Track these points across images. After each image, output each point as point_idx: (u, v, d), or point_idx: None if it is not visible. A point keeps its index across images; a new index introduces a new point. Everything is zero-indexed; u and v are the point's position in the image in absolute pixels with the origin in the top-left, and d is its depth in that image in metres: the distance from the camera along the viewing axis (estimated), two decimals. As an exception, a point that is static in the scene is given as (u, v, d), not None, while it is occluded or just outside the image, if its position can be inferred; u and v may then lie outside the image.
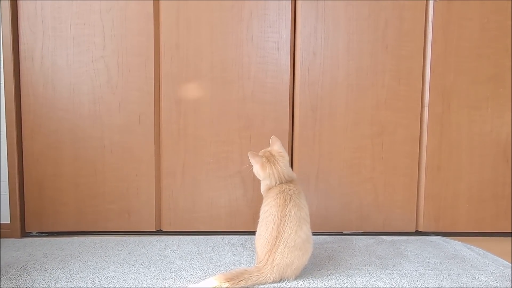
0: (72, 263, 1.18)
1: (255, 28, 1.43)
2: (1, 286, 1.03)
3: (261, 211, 1.12)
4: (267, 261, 1.03)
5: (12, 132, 1.40)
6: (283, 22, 1.43)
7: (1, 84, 1.40)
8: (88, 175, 1.45)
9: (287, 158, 1.19)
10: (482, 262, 1.23)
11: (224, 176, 1.47)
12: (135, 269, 1.15)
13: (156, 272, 1.12)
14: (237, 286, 0.98)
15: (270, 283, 1.03)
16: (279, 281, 1.05)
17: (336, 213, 1.49)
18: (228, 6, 1.42)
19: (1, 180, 1.43)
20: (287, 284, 1.05)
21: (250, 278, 1.01)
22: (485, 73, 1.46)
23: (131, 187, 1.46)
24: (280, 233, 1.04)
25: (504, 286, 1.06)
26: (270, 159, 1.16)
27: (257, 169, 1.17)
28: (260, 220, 1.12)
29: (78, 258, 1.22)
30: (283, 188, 1.11)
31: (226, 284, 0.97)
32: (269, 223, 1.06)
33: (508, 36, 1.45)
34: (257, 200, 1.38)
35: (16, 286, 1.02)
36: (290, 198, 1.09)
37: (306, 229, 1.08)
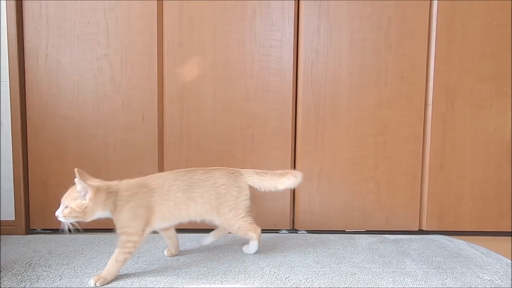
0: (76, 260, 1.19)
1: (258, 27, 1.43)
2: (7, 281, 1.04)
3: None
4: None
5: (17, 129, 1.41)
6: (286, 20, 1.43)
7: (6, 82, 1.41)
8: (92, 172, 1.44)
9: None
10: (486, 261, 1.22)
11: (227, 174, 1.47)
12: (138, 265, 1.16)
13: (159, 269, 1.13)
14: None
15: None
16: None
17: (338, 211, 1.49)
18: (231, 4, 1.42)
19: (6, 177, 1.44)
20: (288, 282, 1.05)
21: None
22: (489, 72, 1.46)
23: (135, 184, 1.46)
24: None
25: (508, 284, 1.06)
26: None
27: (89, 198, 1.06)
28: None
29: (83, 255, 1.23)
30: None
31: None
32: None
33: (513, 34, 1.45)
34: (259, 198, 1.39)
35: (21, 282, 1.04)
36: None
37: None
